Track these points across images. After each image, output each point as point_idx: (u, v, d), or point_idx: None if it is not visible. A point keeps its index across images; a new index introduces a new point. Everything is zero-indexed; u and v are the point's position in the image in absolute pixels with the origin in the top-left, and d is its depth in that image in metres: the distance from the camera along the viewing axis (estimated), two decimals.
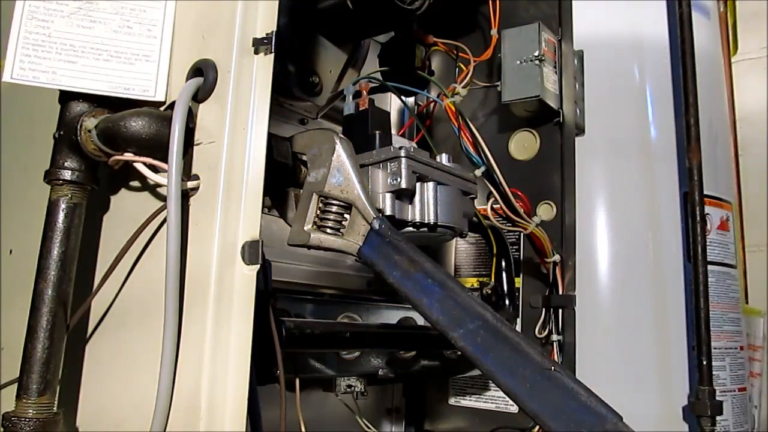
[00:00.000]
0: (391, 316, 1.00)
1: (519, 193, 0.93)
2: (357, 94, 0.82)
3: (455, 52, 0.98)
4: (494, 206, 0.91)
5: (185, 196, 0.58)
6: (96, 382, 0.64)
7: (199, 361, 0.55)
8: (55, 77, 0.60)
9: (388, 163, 0.68)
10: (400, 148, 0.69)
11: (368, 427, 0.98)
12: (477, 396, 1.06)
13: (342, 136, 0.65)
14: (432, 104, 1.16)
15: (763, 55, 2.26)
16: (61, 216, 0.60)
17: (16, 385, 0.57)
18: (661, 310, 0.98)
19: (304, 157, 0.66)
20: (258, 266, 0.56)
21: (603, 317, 0.98)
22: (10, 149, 0.84)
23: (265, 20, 0.60)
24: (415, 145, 0.75)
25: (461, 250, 1.11)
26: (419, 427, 1.13)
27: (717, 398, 0.90)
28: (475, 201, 0.79)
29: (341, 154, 0.63)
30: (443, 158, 0.74)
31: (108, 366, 0.63)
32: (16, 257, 0.77)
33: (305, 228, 0.63)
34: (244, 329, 0.55)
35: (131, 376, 0.60)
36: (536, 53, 0.94)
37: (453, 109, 0.88)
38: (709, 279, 0.94)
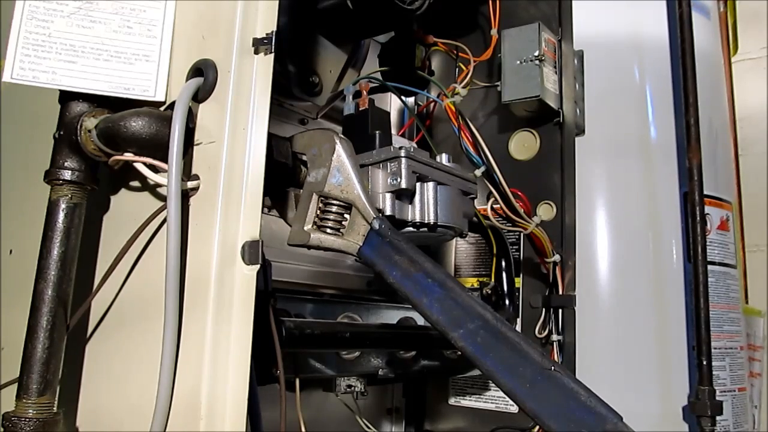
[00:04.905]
0: (391, 316, 1.00)
1: (519, 193, 0.93)
2: (357, 94, 0.82)
3: (455, 52, 0.98)
4: (494, 206, 0.91)
5: (185, 196, 0.58)
6: (96, 382, 0.64)
7: (199, 361, 0.55)
8: (55, 77, 0.60)
9: (388, 163, 0.68)
10: (400, 148, 0.69)
11: (368, 427, 0.98)
12: (477, 396, 1.06)
13: (342, 136, 0.65)
14: (432, 104, 1.16)
15: (763, 55, 2.26)
16: (61, 216, 0.60)
17: (16, 385, 0.57)
18: (661, 310, 0.98)
19: (304, 157, 0.66)
20: (258, 266, 0.56)
21: (603, 317, 0.98)
22: (10, 149, 0.84)
23: (265, 20, 0.60)
24: (415, 145, 0.75)
25: (461, 250, 1.11)
26: (419, 427, 1.13)
27: (717, 398, 0.90)
28: (475, 201, 0.79)
29: (341, 154, 0.63)
30: (443, 158, 0.75)
31: (108, 366, 0.63)
32: (16, 257, 0.77)
33: (305, 228, 0.63)
34: (244, 329, 0.55)
35: (131, 376, 0.60)
36: (536, 53, 0.94)
37: (453, 109, 0.88)
38: (709, 279, 0.94)
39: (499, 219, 0.93)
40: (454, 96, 0.89)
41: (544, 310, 0.96)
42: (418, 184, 0.70)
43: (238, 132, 0.58)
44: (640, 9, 1.06)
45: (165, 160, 0.57)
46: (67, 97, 0.62)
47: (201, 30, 0.63)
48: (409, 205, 0.70)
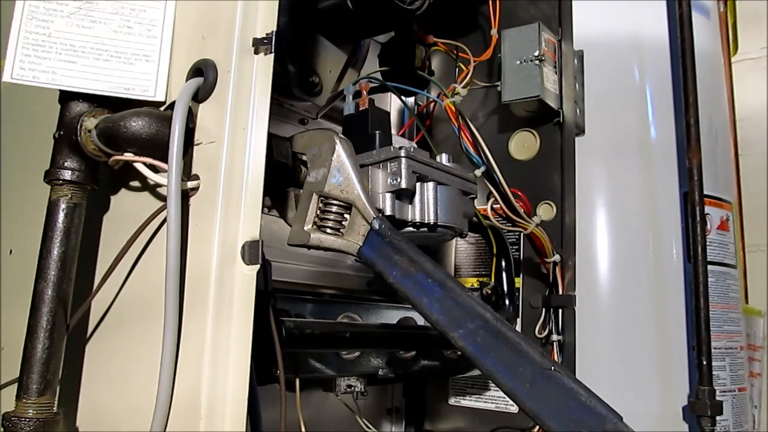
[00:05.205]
0: (391, 316, 1.00)
1: (519, 193, 0.93)
2: (357, 94, 0.82)
3: (455, 52, 0.98)
4: (494, 206, 0.91)
5: (185, 196, 0.58)
6: (96, 382, 0.64)
7: (199, 361, 0.55)
8: (55, 77, 0.60)
9: (388, 163, 0.68)
10: (400, 148, 0.69)
11: (368, 427, 0.98)
12: (477, 396, 1.06)
13: (342, 136, 0.65)
14: (432, 104, 1.16)
15: (763, 55, 2.26)
16: (61, 216, 0.60)
17: (16, 385, 0.57)
18: (661, 310, 0.98)
19: (304, 157, 0.66)
20: (258, 266, 0.56)
21: (603, 317, 0.98)
22: (10, 149, 0.84)
23: (265, 20, 0.60)
24: (415, 145, 0.75)
25: (461, 250, 1.11)
26: (419, 427, 1.13)
27: (717, 398, 0.90)
28: (475, 201, 0.79)
29: (341, 154, 0.63)
30: (443, 158, 0.75)
31: (108, 366, 0.63)
32: (16, 257, 0.77)
33: (305, 228, 0.63)
34: (244, 329, 0.55)
35: (131, 376, 0.60)
36: (536, 53, 0.94)
37: (453, 109, 0.88)
38: (709, 279, 0.94)
39: (499, 219, 0.93)
40: (454, 96, 0.89)
41: (544, 310, 0.96)
42: (418, 184, 0.70)
43: (238, 132, 0.58)
44: (640, 9, 1.06)
45: (165, 160, 0.57)
46: (67, 97, 0.62)
47: (201, 30, 0.63)
48: (409, 205, 0.70)
